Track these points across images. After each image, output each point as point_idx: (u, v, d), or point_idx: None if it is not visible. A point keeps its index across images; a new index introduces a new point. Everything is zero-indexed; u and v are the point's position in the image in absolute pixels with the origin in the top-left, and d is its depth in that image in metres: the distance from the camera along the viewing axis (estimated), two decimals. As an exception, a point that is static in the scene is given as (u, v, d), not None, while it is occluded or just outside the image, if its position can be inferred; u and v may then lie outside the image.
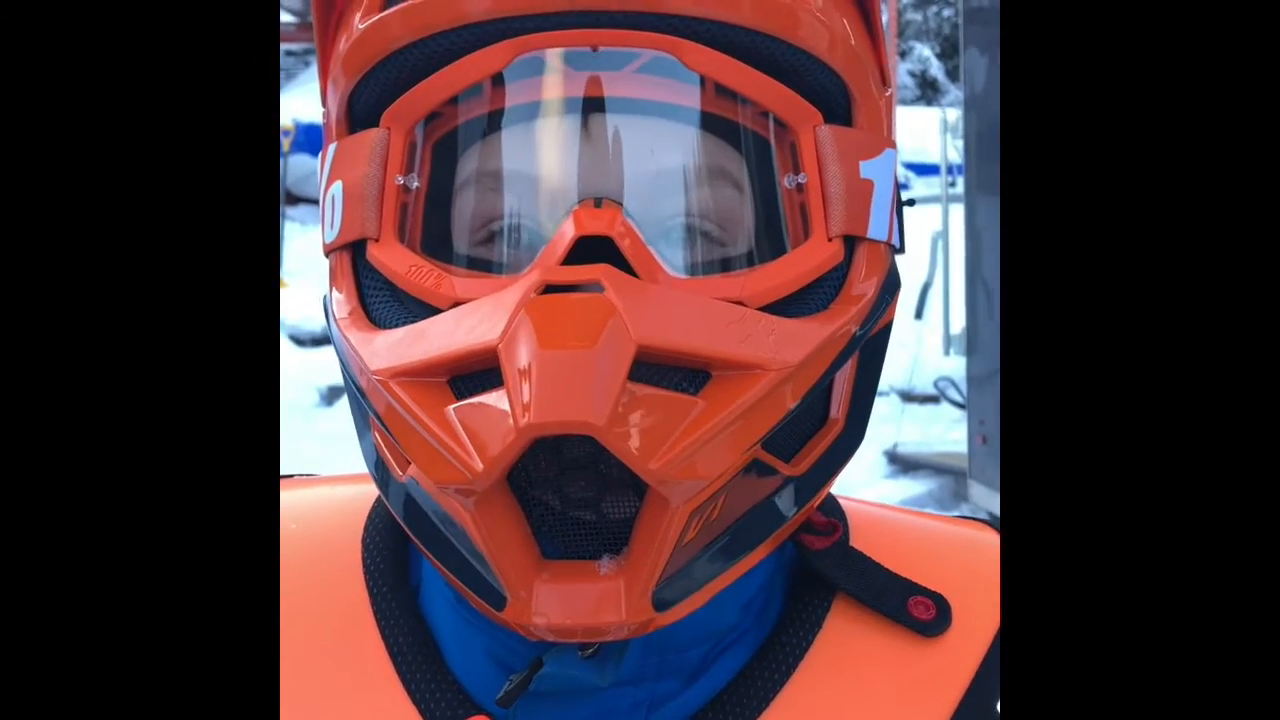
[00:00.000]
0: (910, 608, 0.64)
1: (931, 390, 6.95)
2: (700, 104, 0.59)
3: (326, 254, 0.64)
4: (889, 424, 6.68)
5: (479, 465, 0.52)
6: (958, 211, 5.22)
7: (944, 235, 6.14)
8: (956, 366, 5.82)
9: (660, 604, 0.55)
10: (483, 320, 0.54)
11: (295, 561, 0.67)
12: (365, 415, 0.62)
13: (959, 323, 5.11)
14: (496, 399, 0.53)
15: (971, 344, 4.82)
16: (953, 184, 6.45)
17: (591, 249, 0.55)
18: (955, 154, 5.95)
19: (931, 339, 7.04)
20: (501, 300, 0.54)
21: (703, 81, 0.59)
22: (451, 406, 0.54)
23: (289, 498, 0.72)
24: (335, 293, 0.62)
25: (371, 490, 0.71)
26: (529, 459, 0.53)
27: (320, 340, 7.37)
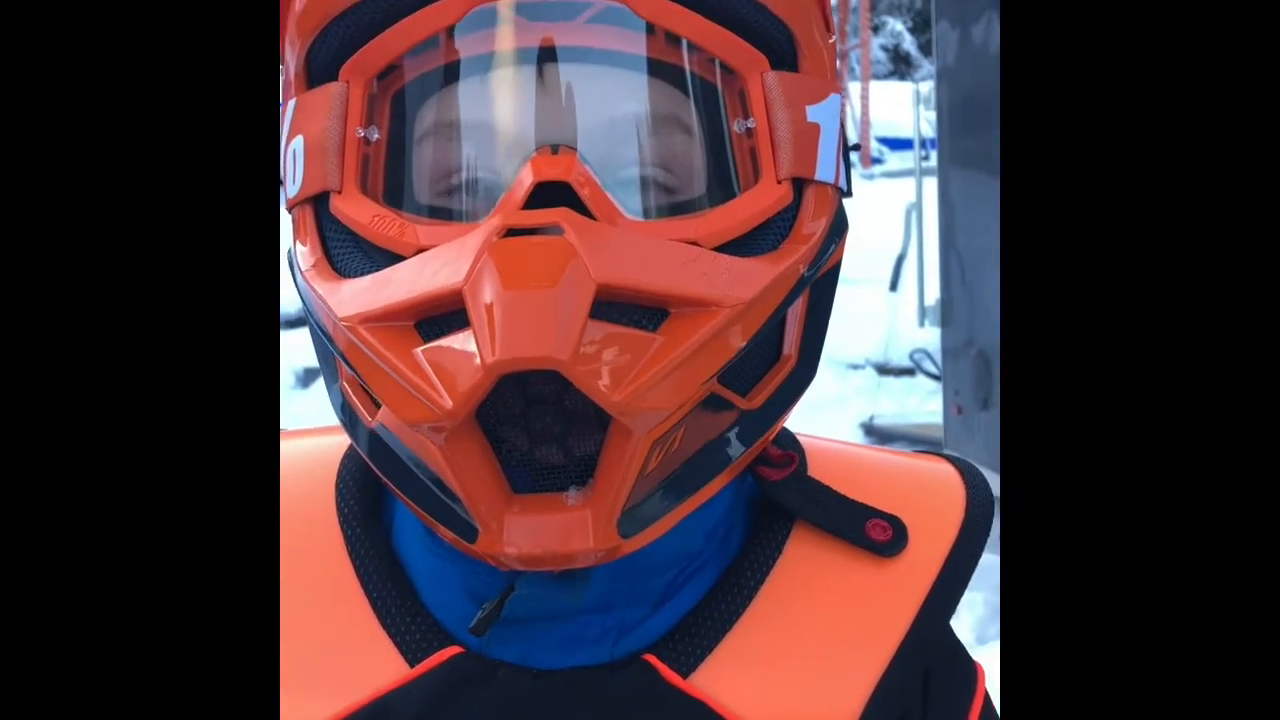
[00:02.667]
0: (867, 530, 0.67)
1: (907, 362, 6.98)
2: (651, 52, 0.61)
3: (289, 208, 0.65)
4: (865, 396, 6.71)
5: (449, 403, 0.54)
6: (931, 184, 5.24)
7: (918, 207, 6.16)
8: (931, 338, 5.85)
9: (625, 531, 0.57)
10: (446, 264, 0.56)
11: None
12: (333, 364, 0.64)
13: (933, 294, 5.13)
14: (463, 339, 0.54)
15: (946, 316, 4.85)
16: (925, 157, 6.47)
17: (550, 194, 0.57)
18: (928, 128, 5.96)
19: (906, 311, 7.07)
20: (464, 245, 0.56)
21: (653, 30, 0.61)
22: (420, 348, 0.56)
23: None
24: (299, 245, 0.64)
25: (344, 439, 0.72)
26: (496, 396, 0.55)
27: (294, 322, 7.34)
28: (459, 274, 0.55)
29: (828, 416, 6.12)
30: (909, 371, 7.02)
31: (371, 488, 0.71)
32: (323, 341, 0.63)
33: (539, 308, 0.53)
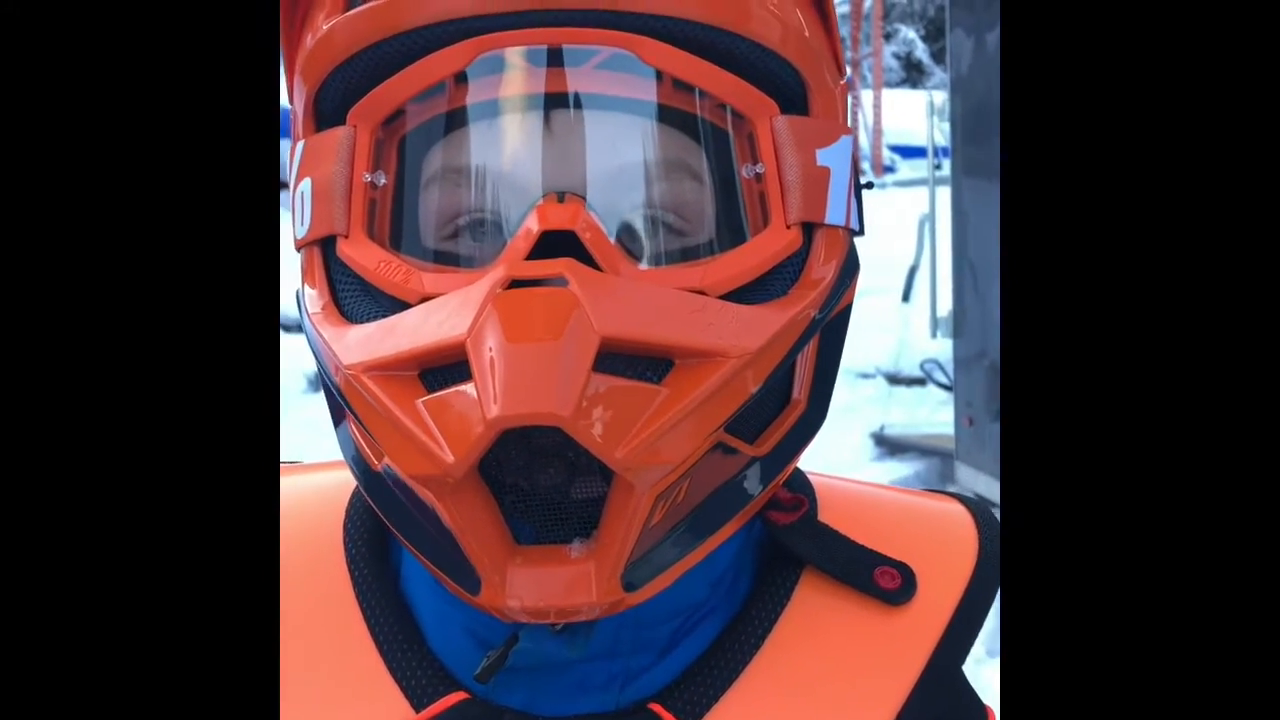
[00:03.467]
0: (876, 578, 0.66)
1: (918, 373, 6.97)
2: (659, 98, 0.60)
3: (298, 249, 0.64)
4: (875, 406, 6.70)
5: (450, 457, 0.54)
6: (944, 194, 5.23)
7: (930, 218, 6.15)
8: (943, 349, 5.84)
9: (629, 585, 0.57)
10: (450, 315, 0.55)
11: (280, 547, 0.68)
12: (340, 408, 0.63)
13: (946, 305, 5.12)
14: (465, 392, 0.54)
15: (958, 327, 4.84)
16: (938, 166, 6.46)
17: (556, 243, 0.56)
18: (941, 137, 5.95)
19: (918, 322, 7.06)
20: (468, 296, 0.56)
21: (660, 76, 0.60)
22: (422, 399, 0.55)
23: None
24: (308, 288, 0.64)
25: (350, 477, 0.72)
26: (499, 448, 0.54)
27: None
28: (462, 326, 0.54)
29: (838, 426, 6.10)
30: (920, 381, 7.01)
31: (380, 527, 0.70)
32: (329, 387, 0.62)
33: (541, 362, 0.53)
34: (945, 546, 0.70)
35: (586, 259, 0.56)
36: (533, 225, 0.57)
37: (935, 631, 0.66)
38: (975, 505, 0.73)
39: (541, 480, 0.57)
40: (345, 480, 0.72)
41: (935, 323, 5.71)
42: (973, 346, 4.64)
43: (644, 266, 0.59)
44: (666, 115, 0.61)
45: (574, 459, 0.56)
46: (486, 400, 0.53)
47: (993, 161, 4.24)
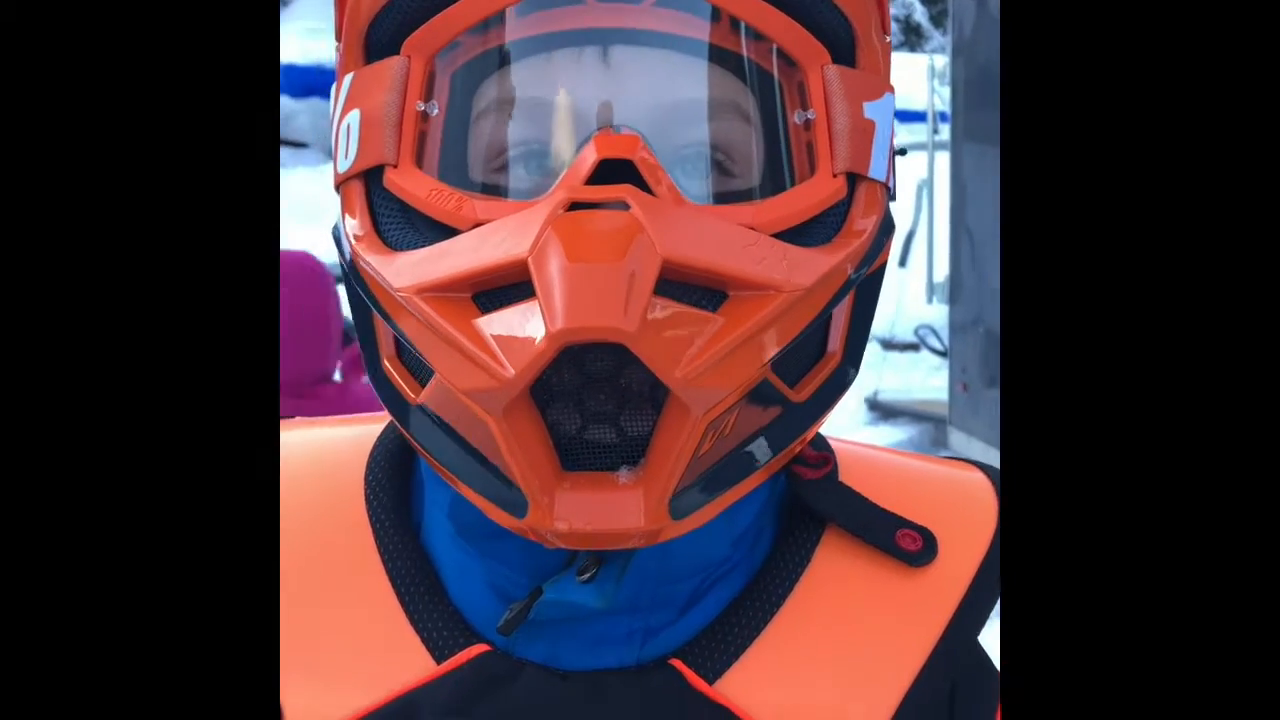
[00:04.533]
0: (898, 539, 0.66)
1: (912, 338, 6.98)
2: (714, 39, 0.60)
3: (338, 185, 0.64)
4: (869, 371, 6.72)
5: (510, 371, 0.53)
6: (941, 160, 5.22)
7: (929, 183, 6.14)
8: (938, 314, 5.85)
9: (676, 512, 0.57)
10: (509, 236, 0.55)
11: (300, 498, 0.69)
12: (375, 343, 0.63)
13: (942, 271, 5.12)
14: (525, 310, 0.54)
15: (954, 292, 4.84)
16: (936, 131, 6.44)
17: (611, 172, 0.56)
18: (940, 101, 5.93)
19: (914, 287, 7.06)
20: (528, 217, 0.55)
21: (718, 18, 0.60)
22: (480, 318, 0.55)
23: (291, 438, 0.73)
24: (348, 219, 0.63)
25: (371, 431, 0.72)
26: (552, 371, 0.54)
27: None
28: (523, 245, 0.54)
29: (832, 390, 6.11)
30: (914, 347, 7.03)
31: (402, 480, 0.70)
32: (367, 318, 0.63)
33: (605, 280, 0.53)
34: (965, 513, 0.70)
35: (644, 188, 0.56)
36: (590, 153, 0.57)
37: (955, 597, 0.66)
38: (994, 473, 0.74)
39: (592, 405, 0.57)
40: (365, 434, 0.72)
41: (931, 288, 5.72)
42: (968, 313, 4.65)
43: (696, 202, 0.59)
44: (720, 56, 0.61)
45: (626, 385, 0.56)
46: (549, 316, 0.53)
47: (994, 127, 4.23)
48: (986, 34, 4.39)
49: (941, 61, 5.94)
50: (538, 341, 0.53)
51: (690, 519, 0.59)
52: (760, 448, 0.61)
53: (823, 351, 0.64)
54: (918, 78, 7.17)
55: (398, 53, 0.61)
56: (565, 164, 0.58)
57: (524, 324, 0.54)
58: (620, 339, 0.52)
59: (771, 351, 0.58)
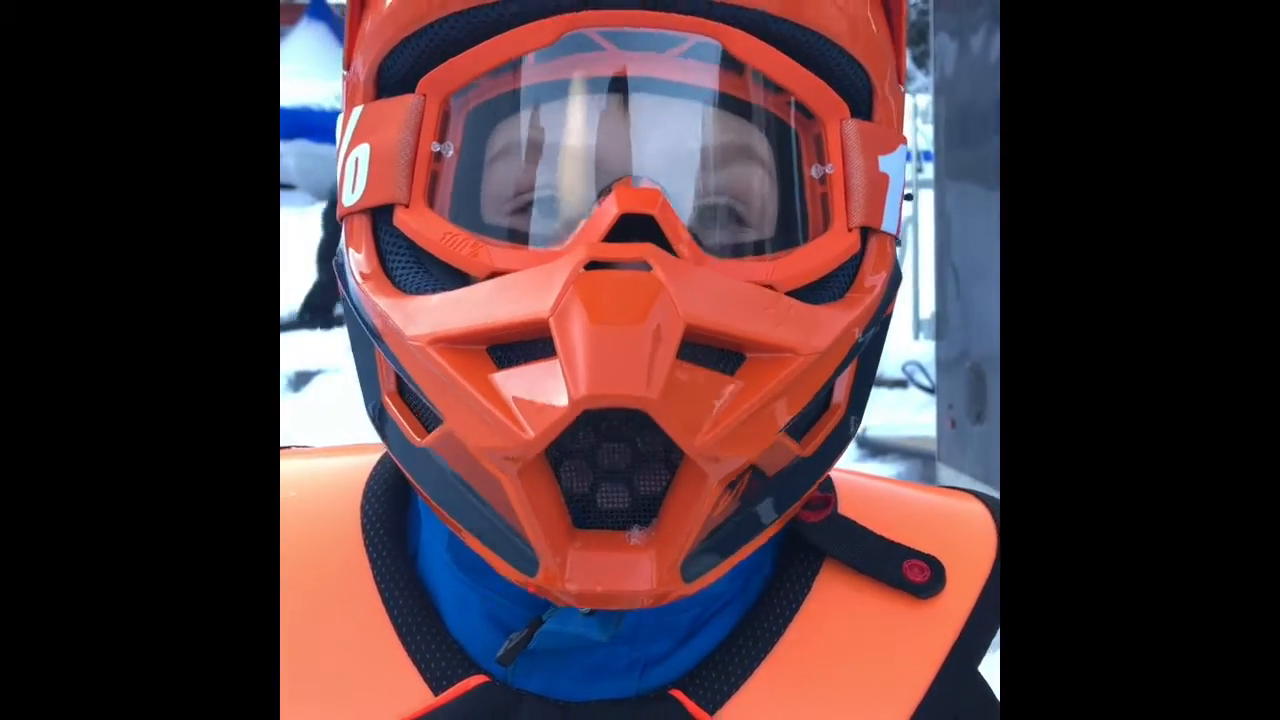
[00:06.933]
0: (905, 570, 0.66)
1: (899, 375, 6.98)
2: (736, 90, 0.61)
3: (341, 217, 0.64)
4: (858, 408, 6.70)
5: (530, 434, 0.53)
6: (926, 197, 5.25)
7: (914, 220, 6.17)
8: (925, 351, 5.86)
9: (687, 575, 0.57)
10: (528, 293, 0.55)
11: (296, 529, 0.68)
12: (375, 379, 0.63)
13: (928, 308, 5.13)
14: (546, 370, 0.54)
15: (941, 329, 4.85)
16: (919, 169, 6.48)
17: (630, 226, 0.56)
18: (923, 140, 5.97)
19: (900, 323, 7.06)
20: (550, 274, 0.55)
21: (741, 70, 0.60)
22: (497, 375, 0.55)
23: (288, 467, 0.72)
24: (353, 253, 0.62)
25: (368, 460, 0.72)
26: (569, 431, 0.54)
27: (287, 325, 7.30)
28: (544, 304, 0.54)
29: (820, 427, 6.10)
30: (901, 384, 7.02)
31: (398, 511, 0.70)
32: (367, 352, 0.62)
33: (629, 344, 0.53)
34: (964, 543, 0.70)
35: (663, 244, 0.56)
36: (611, 207, 0.56)
37: (955, 627, 0.66)
38: (993, 502, 0.74)
39: (605, 464, 0.56)
40: (361, 464, 0.72)
41: (917, 325, 5.72)
42: (955, 349, 4.65)
43: (714, 258, 0.59)
44: (741, 108, 0.61)
45: (641, 446, 0.56)
46: (571, 380, 0.52)
47: (976, 164, 4.26)
48: (968, 73, 4.43)
49: (924, 101, 5.98)
50: (559, 405, 0.53)
51: (702, 579, 0.59)
52: (768, 506, 0.61)
53: (828, 403, 0.64)
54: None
55: (412, 89, 0.61)
56: (583, 213, 0.58)
57: (544, 385, 0.53)
58: (643, 405, 0.52)
59: (788, 417, 0.58)
